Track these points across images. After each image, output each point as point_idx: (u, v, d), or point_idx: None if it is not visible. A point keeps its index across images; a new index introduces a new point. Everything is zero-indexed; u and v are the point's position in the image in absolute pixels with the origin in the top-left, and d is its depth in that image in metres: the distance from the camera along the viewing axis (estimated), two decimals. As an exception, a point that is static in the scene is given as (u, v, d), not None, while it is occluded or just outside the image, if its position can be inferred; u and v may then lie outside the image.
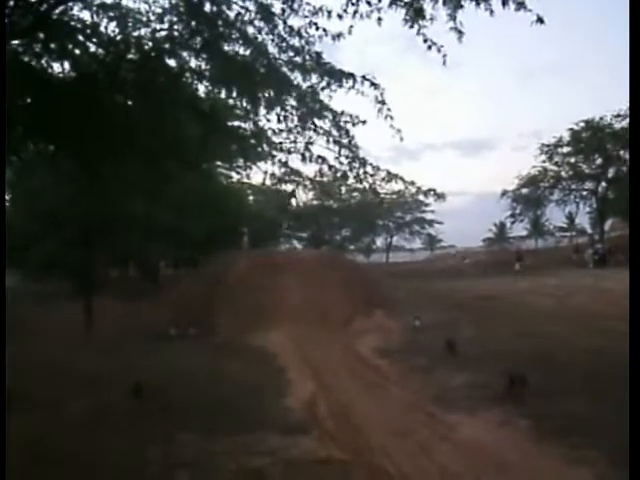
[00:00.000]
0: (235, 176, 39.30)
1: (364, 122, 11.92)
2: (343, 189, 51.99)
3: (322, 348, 18.59)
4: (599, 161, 52.41)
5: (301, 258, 30.48)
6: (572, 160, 53.48)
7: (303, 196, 58.30)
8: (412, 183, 12.29)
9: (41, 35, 10.30)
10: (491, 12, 8.61)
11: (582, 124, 50.47)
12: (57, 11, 10.30)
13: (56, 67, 11.20)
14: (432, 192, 12.31)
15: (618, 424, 8.72)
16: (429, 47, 9.34)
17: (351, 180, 12.28)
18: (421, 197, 13.19)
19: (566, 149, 52.91)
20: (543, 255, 55.88)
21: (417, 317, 21.13)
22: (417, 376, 14.16)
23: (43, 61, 10.88)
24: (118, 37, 10.93)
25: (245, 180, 41.51)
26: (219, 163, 32.32)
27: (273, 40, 10.47)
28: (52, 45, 10.55)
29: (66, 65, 11.19)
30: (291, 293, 24.69)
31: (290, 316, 22.63)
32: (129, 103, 12.09)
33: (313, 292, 24.56)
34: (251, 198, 53.29)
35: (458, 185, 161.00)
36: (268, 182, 15.71)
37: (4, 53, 8.50)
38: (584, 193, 55.41)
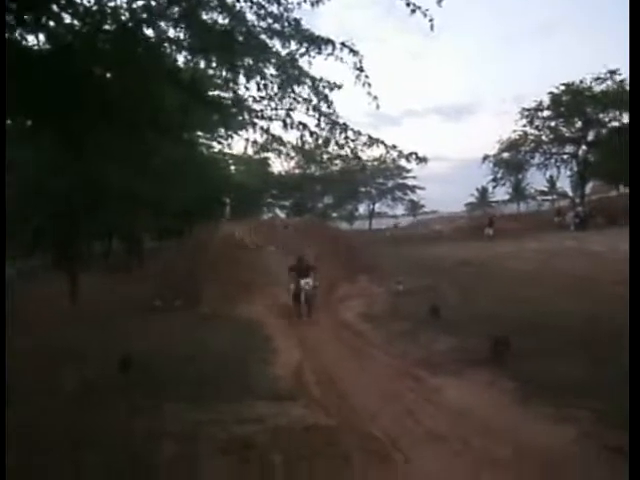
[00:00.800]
0: (217, 146, 39.23)
1: (340, 87, 11.94)
2: (325, 156, 52.08)
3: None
4: (579, 124, 52.64)
5: (285, 227, 30.43)
6: (552, 124, 53.69)
7: (285, 164, 58.27)
8: (394, 147, 12.27)
9: (13, 6, 10.12)
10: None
11: (562, 88, 50.56)
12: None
13: (31, 40, 11.03)
14: (414, 155, 12.28)
15: (602, 384, 8.92)
16: (412, 11, 9.30)
17: (333, 146, 12.27)
18: (403, 162, 13.14)
19: (546, 113, 53.11)
20: (525, 219, 56.16)
21: (400, 282, 21.26)
22: (402, 341, 14.26)
23: (17, 34, 10.69)
24: (94, 7, 10.76)
25: (227, 150, 41.44)
26: (200, 133, 32.13)
27: (251, 7, 10.37)
28: (25, 17, 10.36)
29: (41, 37, 11.02)
30: (276, 262, 24.71)
31: (275, 285, 22.68)
32: (108, 75, 11.96)
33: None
34: (233, 168, 53.14)
35: (440, 151, 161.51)
36: (250, 150, 15.68)
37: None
38: (565, 157, 55.68)
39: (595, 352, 10.71)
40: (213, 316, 19.36)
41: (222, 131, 24.11)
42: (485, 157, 57.13)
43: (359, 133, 11.91)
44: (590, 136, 52.82)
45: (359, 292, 21.94)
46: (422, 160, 12.34)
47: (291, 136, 12.82)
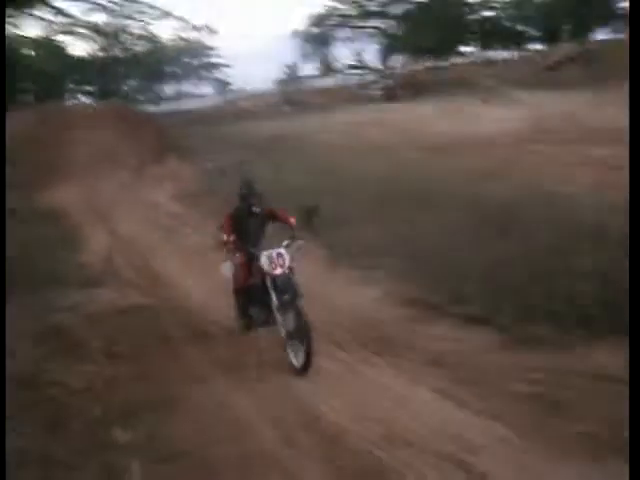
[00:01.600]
0: (9, 29, 36.63)
1: None
2: (126, 37, 49.93)
3: (116, 200, 18.15)
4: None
5: (89, 112, 29.29)
6: (358, -2, 54.05)
7: (86, 47, 55.36)
8: (182, 19, 11.91)
9: None
10: None
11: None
12: None
13: None
14: (206, 28, 12.00)
15: (401, 245, 9.42)
16: None
17: (124, 20, 11.75)
18: (195, 34, 12.81)
19: (352, -13, 53.23)
20: (335, 93, 56.72)
21: (210, 160, 21.04)
22: (216, 218, 14.19)
23: None
24: None
25: (20, 32, 38.91)
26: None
27: None
28: None
29: None
30: (80, 148, 23.71)
31: (81, 171, 21.81)
32: None
33: (103, 145, 23.69)
34: (32, 53, 49.85)
35: (248, 27, 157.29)
36: (46, 33, 14.77)
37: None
38: (371, 30, 56.32)
39: (398, 217, 11.16)
40: (19, 207, 18.43)
41: (12, 11, 22.61)
42: (294, 33, 56.91)
43: (150, 6, 11.45)
44: (397, 10, 53.63)
45: (170, 174, 21.42)
46: (213, 32, 12.09)
47: (81, 12, 12.11)
